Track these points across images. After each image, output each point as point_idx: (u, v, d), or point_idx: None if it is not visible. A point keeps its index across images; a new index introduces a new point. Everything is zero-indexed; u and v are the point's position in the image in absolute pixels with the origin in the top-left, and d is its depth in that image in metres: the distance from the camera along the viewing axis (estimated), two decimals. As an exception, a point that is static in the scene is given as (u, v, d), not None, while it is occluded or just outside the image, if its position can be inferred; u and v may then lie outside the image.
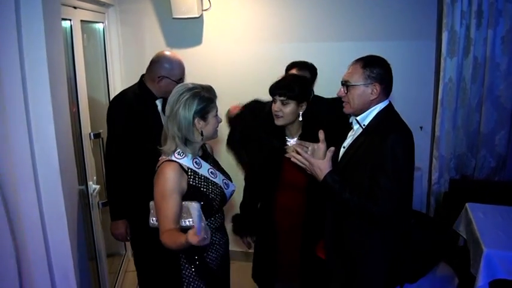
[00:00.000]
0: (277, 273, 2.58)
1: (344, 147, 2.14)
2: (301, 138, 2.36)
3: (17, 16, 1.92)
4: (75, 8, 2.75)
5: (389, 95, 2.06)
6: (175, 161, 2.00)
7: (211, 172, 2.12)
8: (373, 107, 2.01)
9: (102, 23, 3.52)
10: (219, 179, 2.13)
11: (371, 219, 1.96)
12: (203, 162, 2.11)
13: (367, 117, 2.03)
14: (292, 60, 3.03)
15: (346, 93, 2.03)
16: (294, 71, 2.92)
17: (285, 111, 2.35)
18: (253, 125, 2.71)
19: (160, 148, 2.06)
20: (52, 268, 2.19)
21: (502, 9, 3.17)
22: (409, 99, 3.42)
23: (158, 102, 2.70)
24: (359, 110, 2.04)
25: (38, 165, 2.08)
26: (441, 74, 3.35)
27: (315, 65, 3.04)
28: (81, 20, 2.91)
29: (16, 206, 2.01)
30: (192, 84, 2.04)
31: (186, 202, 2.00)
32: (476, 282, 2.46)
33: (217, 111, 2.07)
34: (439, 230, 3.16)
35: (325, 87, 3.03)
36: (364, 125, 2.03)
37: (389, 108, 2.04)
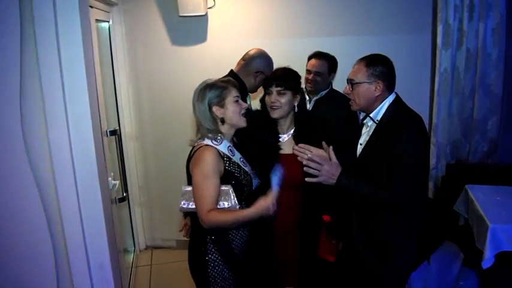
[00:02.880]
0: (276, 276, 2.47)
1: (361, 144, 2.25)
2: (296, 134, 2.40)
3: (55, 17, 1.97)
4: (91, 7, 2.78)
5: (394, 89, 2.19)
6: (213, 147, 2.11)
7: (242, 161, 2.24)
8: (382, 103, 2.15)
9: (108, 22, 3.56)
10: (248, 169, 2.25)
11: (386, 205, 2.10)
12: (235, 151, 2.22)
13: (379, 112, 2.15)
14: (296, 55, 3.18)
15: (352, 90, 2.16)
16: (313, 61, 3.13)
17: (282, 101, 2.34)
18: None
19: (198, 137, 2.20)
20: (89, 260, 2.25)
21: (491, 2, 3.38)
22: (407, 90, 3.51)
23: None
24: (365, 106, 2.17)
25: (76, 163, 2.14)
26: (437, 65, 3.54)
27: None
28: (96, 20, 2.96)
29: (55, 201, 2.10)
30: (212, 80, 2.17)
31: (222, 186, 2.11)
32: (484, 256, 2.63)
33: (237, 97, 2.15)
34: (441, 211, 3.36)
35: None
36: (377, 120, 2.15)
37: (398, 100, 2.18)
